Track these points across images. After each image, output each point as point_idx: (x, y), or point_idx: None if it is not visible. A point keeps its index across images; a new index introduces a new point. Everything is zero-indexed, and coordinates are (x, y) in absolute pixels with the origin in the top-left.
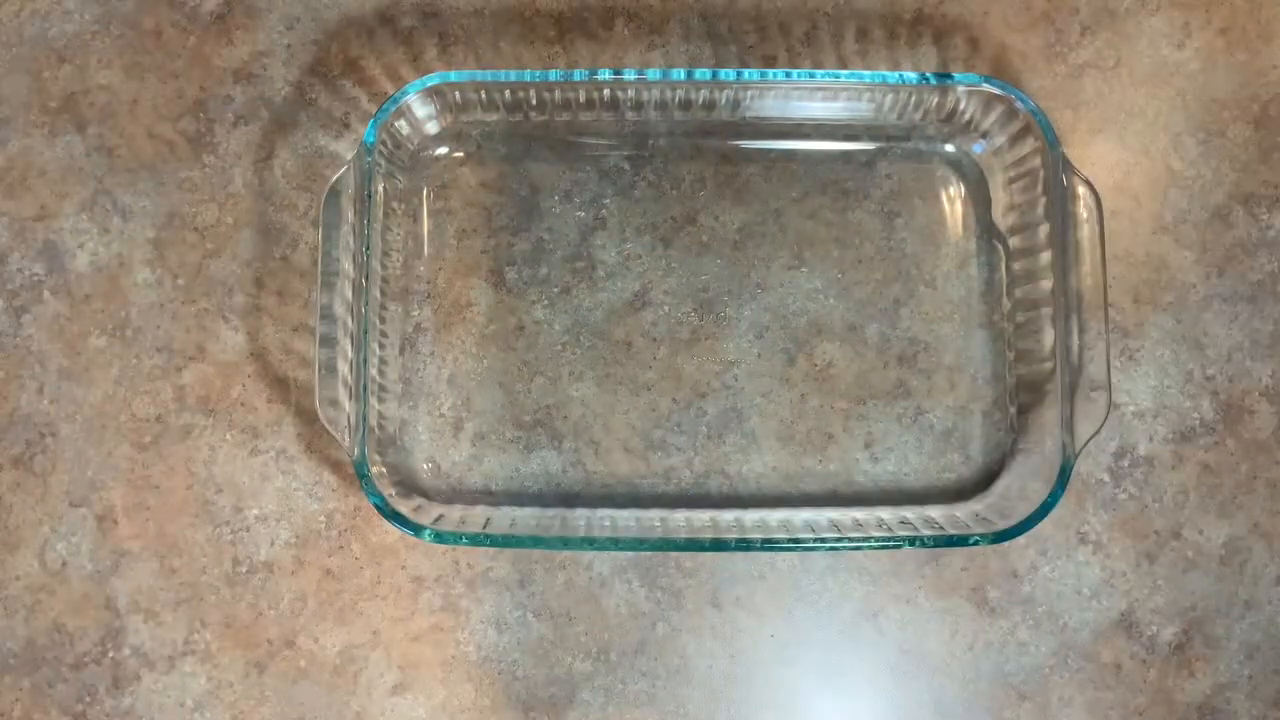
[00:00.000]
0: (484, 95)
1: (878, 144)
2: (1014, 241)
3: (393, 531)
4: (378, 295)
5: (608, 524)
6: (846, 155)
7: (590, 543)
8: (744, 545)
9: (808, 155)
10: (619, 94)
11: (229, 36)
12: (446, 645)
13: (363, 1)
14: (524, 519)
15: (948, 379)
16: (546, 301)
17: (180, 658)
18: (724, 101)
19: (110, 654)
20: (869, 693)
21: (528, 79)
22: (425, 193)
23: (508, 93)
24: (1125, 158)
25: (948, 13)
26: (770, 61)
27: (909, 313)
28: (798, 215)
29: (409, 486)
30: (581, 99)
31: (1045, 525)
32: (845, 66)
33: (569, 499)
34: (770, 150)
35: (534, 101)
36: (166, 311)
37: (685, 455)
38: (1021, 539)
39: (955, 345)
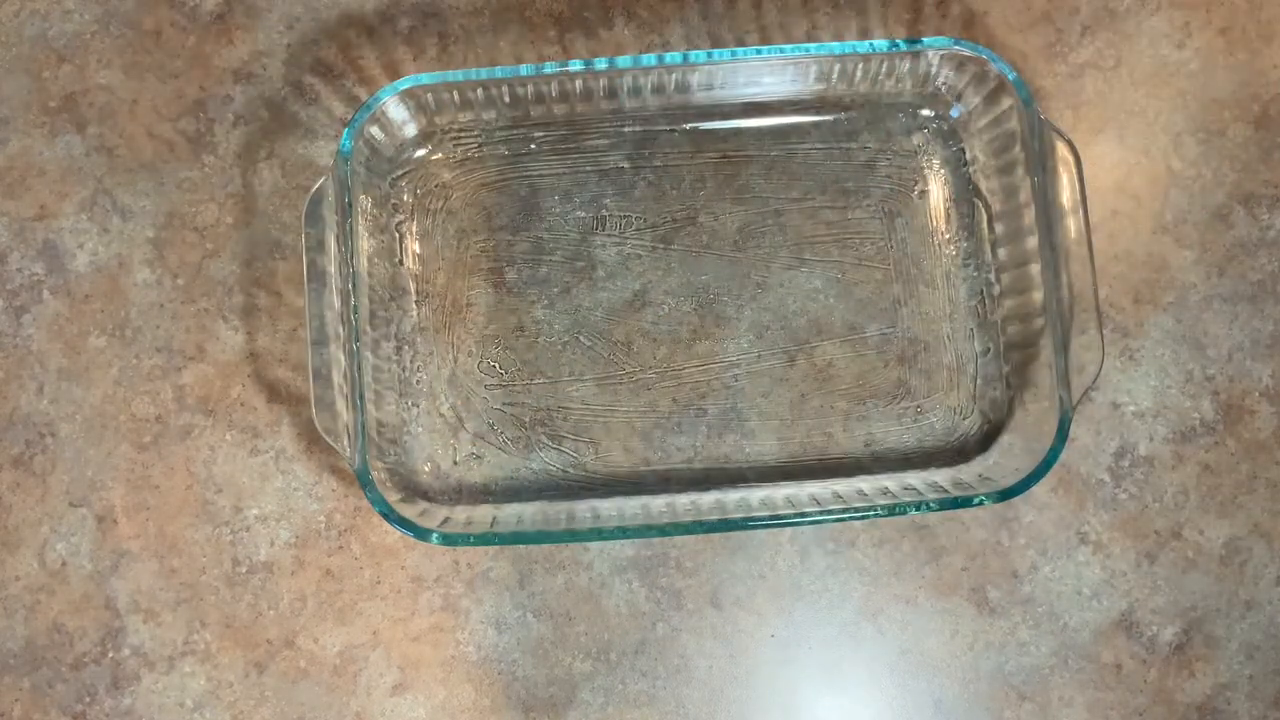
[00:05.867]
0: (480, 94)
1: (852, 114)
2: (996, 204)
3: (393, 531)
4: (366, 303)
5: (614, 514)
6: (846, 155)
7: (598, 533)
8: (749, 523)
9: (808, 155)
10: (592, 84)
11: (229, 36)
12: (446, 645)
13: (363, 1)
14: (530, 516)
15: (948, 379)
16: (546, 301)
17: (180, 658)
18: (696, 84)
19: (110, 654)
20: (869, 693)
21: (499, 75)
22: (424, 193)
23: (479, 90)
24: (1125, 158)
25: (947, 13)
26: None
27: (909, 313)
28: (798, 215)
29: (409, 487)
30: (553, 92)
31: (1045, 525)
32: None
33: (569, 499)
34: (763, 140)
35: (507, 99)
36: (166, 311)
37: (685, 455)
38: (1022, 539)
39: (955, 345)
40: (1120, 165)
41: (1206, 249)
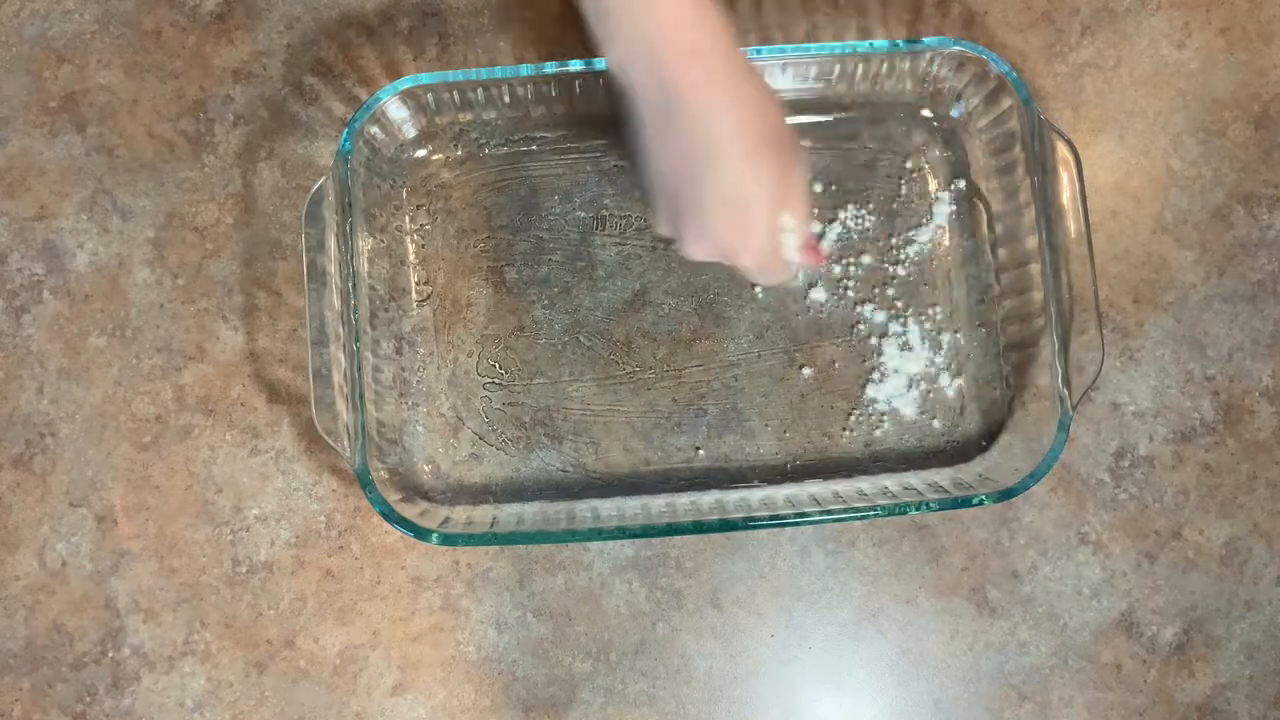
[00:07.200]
0: (480, 94)
1: (852, 114)
2: (996, 204)
3: (393, 531)
4: (367, 303)
5: (614, 514)
6: (846, 155)
7: (598, 533)
8: (749, 524)
9: (807, 155)
10: (592, 84)
11: (229, 36)
12: (446, 645)
13: (363, 1)
14: (530, 515)
15: (948, 379)
16: (546, 301)
17: (180, 658)
18: None
19: (110, 654)
20: (869, 693)
21: (499, 75)
22: (424, 193)
23: (479, 90)
24: (1125, 158)
25: (947, 13)
26: None
27: (909, 312)
28: None
29: (409, 487)
30: (553, 92)
31: (1045, 525)
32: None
33: (569, 499)
34: None
35: (507, 99)
36: (166, 311)
37: (685, 455)
38: (1022, 539)
39: (956, 345)
40: (1120, 165)
41: (1206, 249)
